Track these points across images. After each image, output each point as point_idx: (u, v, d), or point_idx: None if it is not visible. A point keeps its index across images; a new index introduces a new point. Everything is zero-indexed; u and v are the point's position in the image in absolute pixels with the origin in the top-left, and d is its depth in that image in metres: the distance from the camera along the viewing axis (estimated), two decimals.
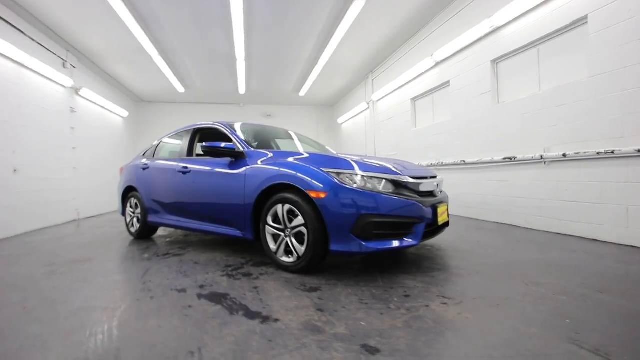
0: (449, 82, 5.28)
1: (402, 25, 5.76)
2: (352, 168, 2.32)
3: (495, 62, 4.38)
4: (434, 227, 2.48)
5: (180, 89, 8.87)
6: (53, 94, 5.77)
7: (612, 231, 3.03)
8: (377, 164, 2.46)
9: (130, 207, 4.17)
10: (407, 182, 2.39)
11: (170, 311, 1.81)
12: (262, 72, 7.93)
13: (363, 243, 2.15)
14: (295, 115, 11.72)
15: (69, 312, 1.84)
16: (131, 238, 4.18)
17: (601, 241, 3.13)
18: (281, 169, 2.49)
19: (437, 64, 5.49)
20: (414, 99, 6.46)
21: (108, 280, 2.41)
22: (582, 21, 3.25)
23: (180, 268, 2.70)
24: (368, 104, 8.58)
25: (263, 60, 7.14)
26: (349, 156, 2.59)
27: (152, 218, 3.84)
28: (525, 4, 3.72)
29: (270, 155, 2.79)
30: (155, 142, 4.28)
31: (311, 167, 2.37)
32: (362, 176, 2.28)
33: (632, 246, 2.88)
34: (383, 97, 7.71)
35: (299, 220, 2.34)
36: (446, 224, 2.71)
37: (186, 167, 3.36)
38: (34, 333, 1.59)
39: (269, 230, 2.57)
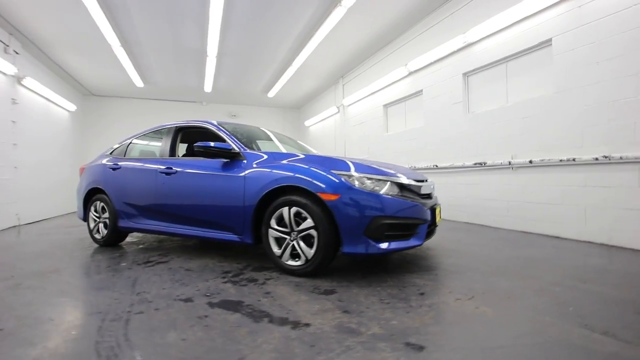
0: (421, 90, 5.60)
1: (378, 33, 5.99)
2: (361, 170, 2.36)
3: (467, 75, 4.75)
4: (432, 228, 2.62)
5: (139, 83, 8.23)
6: None
7: (571, 229, 3.44)
8: (378, 167, 2.52)
9: (95, 211, 3.76)
10: (410, 185, 2.48)
11: (186, 322, 1.68)
12: (233, 70, 7.68)
13: (376, 244, 2.19)
14: (262, 117, 11.50)
15: (63, 330, 1.61)
16: (96, 245, 3.77)
17: (562, 238, 3.53)
18: (288, 172, 2.44)
19: (411, 73, 5.79)
20: (386, 105, 6.73)
21: (92, 293, 2.16)
22: (547, 43, 3.67)
23: (173, 276, 2.50)
24: (338, 108, 8.73)
25: (236, 58, 6.92)
26: (346, 159, 2.62)
27: (123, 223, 3.51)
28: (496, 24, 4.10)
29: (266, 157, 2.72)
30: (126, 140, 3.92)
31: (320, 169, 2.36)
32: (371, 178, 2.32)
33: (589, 242, 3.30)
34: (354, 102, 7.91)
35: (308, 222, 2.31)
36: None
37: (170, 168, 3.13)
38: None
39: (272, 233, 2.50)
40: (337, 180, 2.27)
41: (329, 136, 9.56)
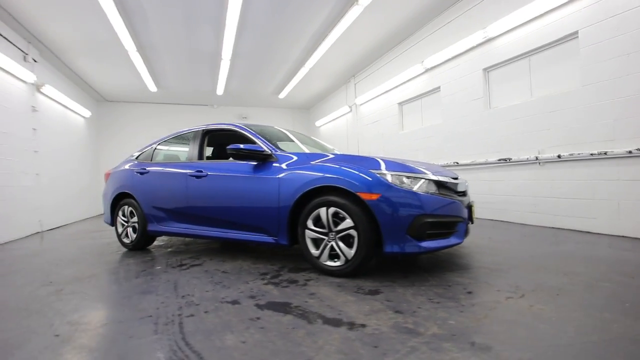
0: (439, 87, 5.56)
1: (391, 31, 5.96)
2: (397, 169, 2.34)
3: (487, 70, 4.70)
4: (467, 226, 2.59)
5: (153, 88, 8.30)
6: (13, 90, 5.08)
7: (604, 224, 3.39)
8: (412, 165, 2.50)
9: (123, 215, 3.79)
10: (447, 182, 2.46)
11: (240, 324, 1.68)
12: (246, 72, 7.71)
13: (418, 243, 2.18)
14: (272, 118, 11.52)
15: (119, 335, 1.62)
16: (124, 250, 3.80)
17: (594, 233, 3.48)
18: (325, 172, 2.43)
19: (427, 70, 5.76)
20: (401, 103, 6.69)
21: (136, 297, 2.17)
22: (573, 36, 3.62)
23: (212, 279, 2.51)
24: (350, 107, 8.71)
25: (249, 60, 6.94)
26: (377, 157, 2.59)
27: (153, 227, 3.53)
28: (519, 18, 4.05)
29: (297, 158, 2.71)
30: (151, 145, 3.95)
31: (357, 169, 2.35)
32: (409, 177, 2.30)
33: (623, 236, 3.24)
34: (367, 101, 7.89)
35: (347, 222, 2.30)
36: None
37: (200, 172, 3.14)
38: None
39: (309, 234, 2.49)
40: (376, 180, 2.26)
41: (340, 136, 9.55)
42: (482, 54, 4.69)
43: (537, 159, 3.97)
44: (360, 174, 2.31)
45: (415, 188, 2.25)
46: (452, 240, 2.31)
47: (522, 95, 4.28)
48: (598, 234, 3.45)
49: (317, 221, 2.46)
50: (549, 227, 3.91)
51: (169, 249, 3.77)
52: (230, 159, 3.06)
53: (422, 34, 5.77)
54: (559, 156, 3.72)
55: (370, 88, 7.56)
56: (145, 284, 2.44)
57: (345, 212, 2.31)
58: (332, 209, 2.37)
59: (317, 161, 2.60)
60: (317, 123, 10.96)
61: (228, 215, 2.95)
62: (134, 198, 3.69)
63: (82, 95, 8.33)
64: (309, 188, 2.45)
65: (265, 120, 11.28)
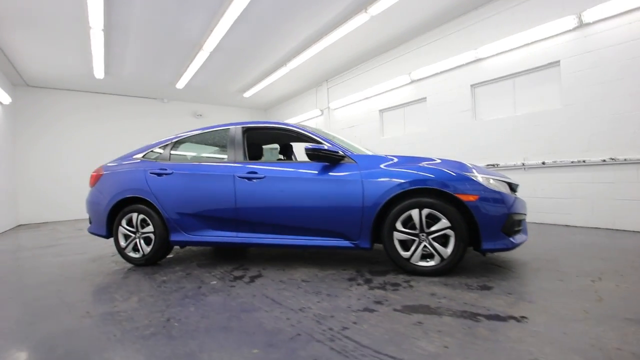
0: (425, 98, 6.06)
1: (381, 41, 6.27)
2: (486, 173, 2.54)
3: (474, 86, 5.34)
4: None
5: (100, 74, 7.08)
6: None
7: (580, 218, 4.19)
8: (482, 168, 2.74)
9: (130, 225, 3.19)
10: (512, 183, 2.76)
11: (414, 330, 1.64)
12: (221, 67, 7.17)
13: (510, 239, 2.40)
14: (228, 117, 10.86)
15: None
16: (127, 266, 3.21)
17: (572, 226, 4.27)
18: (422, 173, 2.49)
19: (414, 81, 6.22)
20: (382, 110, 7.07)
21: (244, 316, 1.91)
22: (555, 64, 4.39)
23: (301, 289, 2.33)
24: (322, 111, 8.81)
25: (232, 54, 6.49)
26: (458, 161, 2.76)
27: (178, 236, 3.07)
28: (507, 45, 4.72)
29: (383, 161, 2.69)
30: (164, 142, 3.42)
31: (454, 171, 2.47)
32: (495, 179, 2.53)
33: (596, 227, 4.06)
34: (343, 106, 8.08)
35: (443, 223, 2.40)
36: None
37: (254, 173, 2.87)
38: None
39: (397, 236, 2.51)
40: (473, 182, 2.41)
41: None
42: (470, 71, 5.31)
43: (523, 164, 4.68)
44: (457, 176, 2.43)
45: (502, 189, 2.48)
46: (524, 236, 2.61)
47: (507, 111, 4.99)
48: (575, 226, 4.24)
49: (406, 223, 2.50)
50: (533, 223, 4.63)
51: (194, 262, 3.31)
52: (270, 158, 2.88)
53: (410, 47, 6.22)
54: (543, 163, 4.46)
55: (347, 94, 7.79)
56: (234, 301, 2.14)
57: (442, 212, 2.40)
58: (425, 210, 2.44)
59: (408, 164, 2.61)
60: None
61: (295, 220, 2.76)
62: (148, 204, 3.15)
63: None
64: (403, 190, 2.48)
65: (220, 119, 10.58)
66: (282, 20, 5.27)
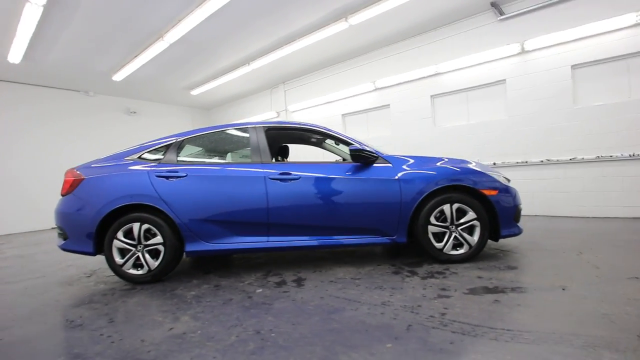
0: (389, 105, 6.59)
1: (349, 48, 6.56)
2: (493, 170, 2.98)
3: (434, 96, 6.04)
4: None
5: (16, 58, 5.73)
6: None
7: (525, 208, 5.12)
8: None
9: (129, 238, 2.75)
10: (507, 179, 3.28)
11: (501, 307, 1.88)
12: (176, 60, 6.54)
13: (519, 227, 2.87)
14: (166, 115, 9.90)
15: None
16: (119, 285, 2.78)
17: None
18: (450, 173, 2.79)
19: (378, 89, 6.69)
20: (345, 115, 7.39)
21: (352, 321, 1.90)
22: (502, 82, 5.29)
23: (366, 286, 2.38)
24: (278, 113, 8.72)
25: (194, 48, 6.00)
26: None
27: (196, 246, 2.78)
28: (461, 63, 5.51)
29: (412, 161, 2.91)
30: (168, 141, 3.04)
31: (479, 170, 2.84)
32: (505, 177, 2.99)
33: (535, 215, 5.03)
34: (303, 109, 8.15)
35: (471, 215, 2.74)
36: None
37: (288, 173, 2.79)
38: None
39: (431, 229, 2.77)
40: (492, 179, 2.82)
41: None
42: (431, 83, 5.99)
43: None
44: (482, 174, 2.81)
45: (510, 184, 2.95)
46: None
47: (462, 119, 5.79)
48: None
49: (439, 217, 2.77)
50: None
51: (210, 274, 3.02)
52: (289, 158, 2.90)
53: (375, 56, 6.67)
54: (494, 163, 5.32)
55: (308, 97, 7.91)
56: (307, 305, 2.08)
57: (469, 206, 2.74)
58: (456, 205, 2.75)
59: (433, 164, 2.88)
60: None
61: (333, 220, 2.78)
62: (154, 211, 2.76)
63: None
64: (438, 187, 2.74)
65: (157, 118, 9.61)
66: (256, 16, 5.10)
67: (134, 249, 2.75)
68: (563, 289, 2.09)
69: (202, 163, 3.08)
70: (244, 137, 3.08)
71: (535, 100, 4.97)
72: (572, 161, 4.69)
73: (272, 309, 2.06)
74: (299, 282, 2.56)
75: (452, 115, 5.91)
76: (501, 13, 5.07)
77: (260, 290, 2.44)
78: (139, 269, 2.77)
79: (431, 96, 6.04)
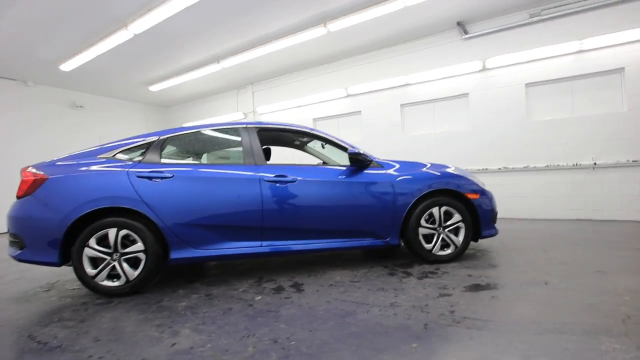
0: (360, 111, 6.77)
1: (322, 54, 6.62)
2: (473, 176, 3.20)
3: (403, 105, 6.34)
4: None
5: None
6: None
7: None
8: None
9: (103, 246, 2.45)
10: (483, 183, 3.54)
11: (500, 303, 2.02)
12: (143, 52, 6.10)
13: (496, 228, 3.11)
14: (117, 111, 9.11)
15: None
16: (86, 298, 2.48)
17: None
18: (439, 178, 2.93)
19: (350, 95, 6.84)
20: (317, 119, 7.43)
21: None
22: (465, 95, 5.73)
23: (369, 288, 2.40)
24: (245, 114, 8.48)
25: (162, 40, 5.64)
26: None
27: (182, 253, 2.57)
28: (429, 76, 5.89)
29: (397, 165, 3.00)
30: (149, 139, 2.77)
31: (462, 175, 3.03)
32: (480, 181, 3.23)
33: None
34: (272, 112, 8.03)
35: (457, 217, 2.91)
36: None
37: (284, 176, 2.72)
38: None
39: (422, 231, 2.88)
40: (474, 183, 3.03)
41: None
42: (401, 93, 6.28)
43: None
44: (467, 179, 3.01)
45: (487, 189, 3.19)
46: None
47: (428, 128, 6.15)
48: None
49: (427, 219, 2.90)
50: None
51: (209, 283, 2.80)
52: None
53: (347, 63, 6.82)
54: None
55: (277, 100, 7.83)
56: (316, 310, 2.03)
57: (455, 209, 2.91)
58: (444, 208, 2.91)
59: (420, 169, 3.01)
60: (188, 125, 9.64)
61: (330, 223, 2.76)
62: (134, 215, 2.50)
63: None
64: (428, 190, 2.87)
65: (106, 112, 8.84)
66: (234, 14, 4.95)
67: (109, 257, 2.46)
68: (546, 284, 2.31)
69: (189, 164, 2.88)
70: (233, 137, 2.94)
71: (494, 113, 5.47)
72: (526, 169, 5.24)
73: (281, 316, 1.98)
74: (298, 288, 2.49)
75: (420, 124, 6.25)
76: (466, 32, 5.52)
77: (259, 297, 2.33)
78: (115, 279, 2.48)
79: (401, 105, 6.34)
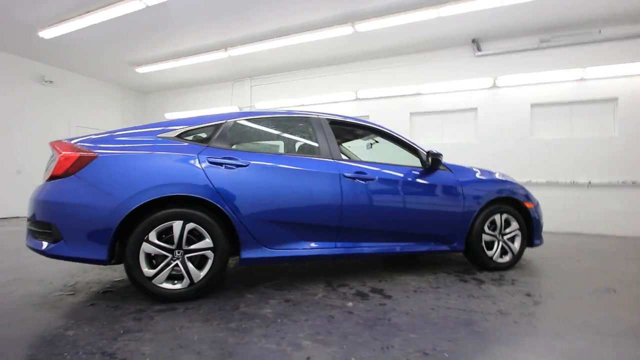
0: (368, 115, 6.76)
1: (334, 54, 6.52)
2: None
3: (412, 114, 6.46)
4: None
5: None
6: None
7: None
8: None
9: (164, 240, 2.10)
10: None
11: (582, 309, 2.07)
12: (139, 28, 5.48)
13: (543, 237, 3.24)
14: (90, 92, 8.14)
15: None
16: (113, 301, 2.11)
17: None
18: (503, 185, 2.98)
19: (359, 99, 6.81)
20: None
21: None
22: (474, 109, 6.00)
23: (462, 292, 2.31)
24: (241, 109, 8.03)
25: (168, 17, 5.11)
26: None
27: (255, 253, 2.28)
28: (442, 88, 6.09)
29: (468, 169, 3.06)
30: (220, 121, 2.43)
31: (519, 184, 3.10)
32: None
33: None
34: (273, 109, 7.70)
35: (514, 225, 2.98)
36: None
37: (363, 173, 2.55)
38: None
39: (485, 237, 2.89)
40: (529, 193, 3.12)
41: None
42: (411, 102, 6.40)
43: None
44: (522, 189, 3.09)
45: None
46: None
47: (436, 139, 6.33)
48: None
49: (490, 226, 2.92)
50: None
51: (257, 289, 2.50)
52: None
53: (357, 67, 6.79)
54: None
55: (279, 97, 7.57)
56: (426, 318, 1.91)
57: (513, 217, 2.98)
58: (504, 215, 2.95)
59: (476, 174, 3.03)
60: (169, 115, 8.89)
61: (405, 226, 2.66)
62: (204, 207, 2.17)
63: None
64: (494, 197, 2.89)
65: (78, 91, 7.80)
66: (257, 1, 4.68)
67: (170, 255, 2.09)
68: (614, 291, 2.42)
69: (264, 152, 2.59)
70: (307, 128, 2.71)
71: (500, 128, 5.80)
72: (528, 183, 5.60)
73: (398, 325, 1.81)
74: (381, 293, 2.33)
75: (428, 133, 6.42)
76: (479, 49, 5.80)
77: (350, 304, 2.13)
78: (176, 282, 2.12)
79: (410, 113, 6.46)
